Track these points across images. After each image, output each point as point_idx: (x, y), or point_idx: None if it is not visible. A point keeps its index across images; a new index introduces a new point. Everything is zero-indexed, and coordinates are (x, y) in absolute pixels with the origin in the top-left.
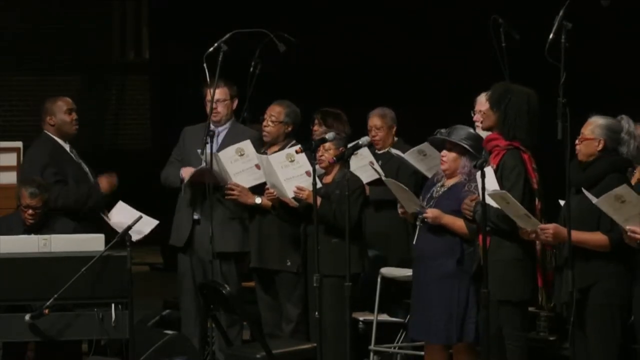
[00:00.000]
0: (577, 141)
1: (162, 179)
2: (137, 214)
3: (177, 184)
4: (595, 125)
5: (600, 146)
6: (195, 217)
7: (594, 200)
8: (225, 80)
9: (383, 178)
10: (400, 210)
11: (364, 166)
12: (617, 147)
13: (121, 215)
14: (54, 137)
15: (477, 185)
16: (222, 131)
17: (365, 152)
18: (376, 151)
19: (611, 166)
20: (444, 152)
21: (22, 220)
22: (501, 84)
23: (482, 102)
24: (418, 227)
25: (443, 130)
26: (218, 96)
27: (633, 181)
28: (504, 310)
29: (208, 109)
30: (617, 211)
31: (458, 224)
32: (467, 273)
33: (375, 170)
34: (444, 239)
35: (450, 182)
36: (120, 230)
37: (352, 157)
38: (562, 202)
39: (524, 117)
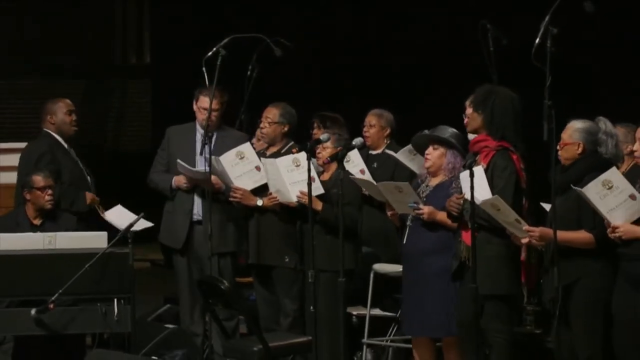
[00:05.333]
0: (558, 147)
1: (151, 185)
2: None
3: (167, 193)
4: (573, 130)
5: (580, 149)
6: (195, 218)
7: (579, 190)
8: (218, 88)
9: (375, 183)
10: (389, 212)
11: (354, 173)
12: (596, 148)
13: (117, 217)
14: (54, 134)
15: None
16: (213, 134)
17: (357, 159)
18: (370, 152)
19: (590, 166)
20: (429, 150)
21: (27, 218)
22: (484, 86)
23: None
24: (408, 226)
25: (426, 131)
26: (213, 106)
27: None
28: (491, 304)
29: (202, 116)
30: (602, 200)
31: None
32: None
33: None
34: (438, 235)
35: (435, 181)
36: (111, 224)
37: (345, 164)
38: (544, 205)
39: (510, 117)
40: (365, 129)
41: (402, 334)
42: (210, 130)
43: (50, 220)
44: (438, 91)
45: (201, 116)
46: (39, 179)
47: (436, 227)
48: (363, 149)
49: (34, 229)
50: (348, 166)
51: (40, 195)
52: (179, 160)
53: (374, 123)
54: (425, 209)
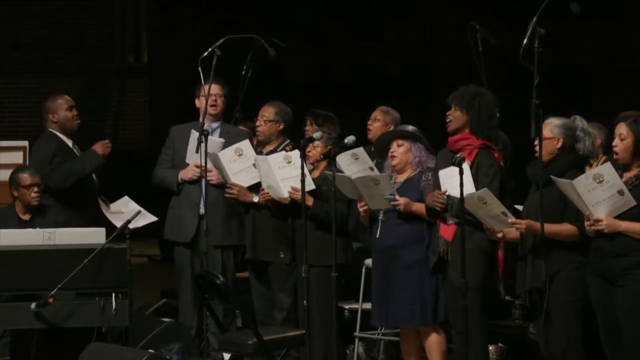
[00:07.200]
0: (536, 142)
1: (156, 180)
2: (138, 208)
3: (174, 187)
4: (552, 125)
5: (560, 144)
6: (202, 212)
7: (564, 181)
8: (219, 80)
9: (351, 178)
10: (361, 209)
11: (363, 170)
12: (574, 144)
13: (123, 208)
14: (58, 133)
15: (434, 174)
16: (214, 130)
17: (364, 157)
18: (372, 148)
19: (570, 164)
20: (393, 148)
21: (16, 213)
22: (469, 86)
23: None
24: (380, 220)
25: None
26: (217, 90)
27: None
28: (468, 297)
29: (203, 105)
30: (589, 193)
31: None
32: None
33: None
34: (412, 227)
35: (402, 177)
36: (114, 220)
37: (355, 161)
38: (517, 207)
39: (495, 118)
40: (369, 123)
41: (372, 325)
42: (215, 118)
43: (39, 216)
44: (437, 92)
45: (202, 106)
46: (25, 177)
47: (409, 220)
48: (367, 145)
49: (22, 224)
50: (357, 164)
51: (27, 193)
52: (192, 130)
53: (379, 118)
54: (402, 200)
